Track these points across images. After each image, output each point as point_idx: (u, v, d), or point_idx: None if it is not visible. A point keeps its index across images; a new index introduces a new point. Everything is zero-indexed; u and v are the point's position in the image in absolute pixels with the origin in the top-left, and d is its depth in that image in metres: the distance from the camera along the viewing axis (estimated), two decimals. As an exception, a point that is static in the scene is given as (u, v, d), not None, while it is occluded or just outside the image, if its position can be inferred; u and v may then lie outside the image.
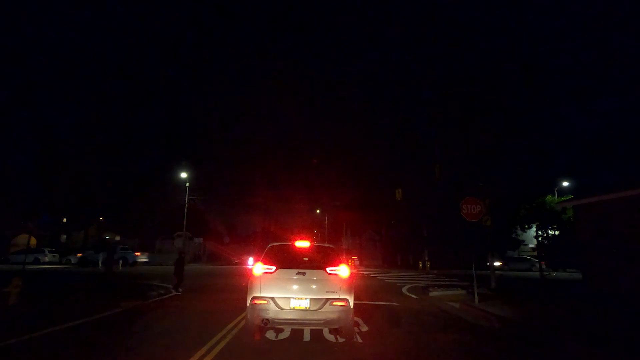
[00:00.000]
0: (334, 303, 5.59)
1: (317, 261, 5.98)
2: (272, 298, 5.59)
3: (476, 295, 10.09)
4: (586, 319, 8.19)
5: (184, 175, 37.14)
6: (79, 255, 30.41)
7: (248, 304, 5.71)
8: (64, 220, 43.61)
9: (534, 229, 22.86)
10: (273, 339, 6.05)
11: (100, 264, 28.01)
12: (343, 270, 5.80)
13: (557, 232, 22.89)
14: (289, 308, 5.56)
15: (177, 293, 11.89)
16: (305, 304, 5.57)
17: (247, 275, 7.12)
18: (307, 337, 6.21)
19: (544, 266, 22.03)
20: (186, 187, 37.17)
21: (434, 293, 12.85)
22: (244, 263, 35.04)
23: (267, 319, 5.56)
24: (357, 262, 33.24)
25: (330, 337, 6.17)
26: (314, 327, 6.26)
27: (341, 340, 6.00)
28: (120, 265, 24.65)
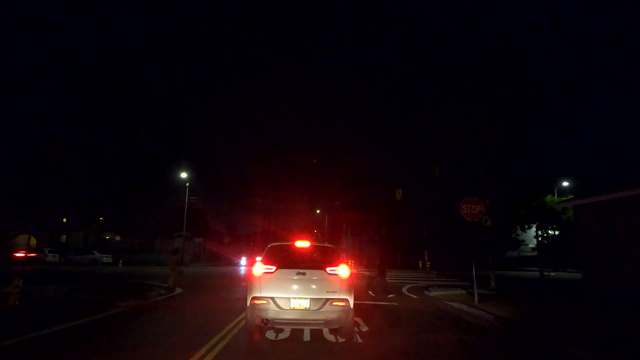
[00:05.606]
0: (334, 303, 5.58)
1: (317, 261, 5.98)
2: (272, 298, 5.58)
3: (476, 295, 10.08)
4: (585, 320, 8.18)
5: (184, 175, 37.17)
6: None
7: (248, 304, 5.70)
8: (64, 220, 43.60)
9: (534, 229, 22.90)
10: (273, 339, 6.04)
11: (101, 264, 28.02)
12: (343, 270, 5.79)
13: (557, 232, 22.91)
14: (289, 308, 5.55)
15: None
16: (305, 304, 5.56)
17: (245, 275, 7.13)
18: (307, 337, 6.20)
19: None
20: (186, 187, 37.19)
21: (434, 293, 12.85)
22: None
23: (267, 319, 5.55)
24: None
25: (330, 337, 6.16)
26: (314, 327, 6.25)
27: (341, 340, 5.99)
28: (120, 264, 24.65)
